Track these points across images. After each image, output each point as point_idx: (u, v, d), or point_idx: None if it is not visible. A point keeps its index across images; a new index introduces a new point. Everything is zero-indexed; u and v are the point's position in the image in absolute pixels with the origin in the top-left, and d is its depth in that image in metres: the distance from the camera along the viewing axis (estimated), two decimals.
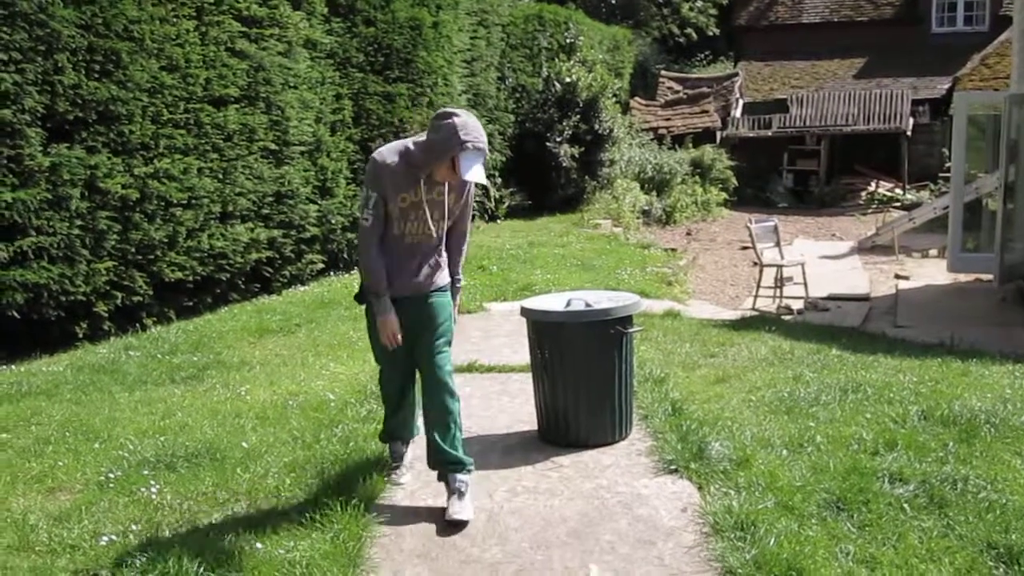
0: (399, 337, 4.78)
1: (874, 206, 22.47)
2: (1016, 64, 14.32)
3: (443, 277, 4.98)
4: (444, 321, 4.95)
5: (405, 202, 4.69)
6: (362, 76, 12.88)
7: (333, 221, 12.18)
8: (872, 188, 23.63)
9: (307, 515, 4.70)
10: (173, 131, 9.64)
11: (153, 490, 5.07)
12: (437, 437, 4.88)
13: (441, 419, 4.88)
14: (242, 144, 10.57)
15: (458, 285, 5.17)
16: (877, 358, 8.08)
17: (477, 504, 4.94)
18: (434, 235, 4.81)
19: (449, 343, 4.99)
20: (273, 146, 11.05)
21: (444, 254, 4.99)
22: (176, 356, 8.28)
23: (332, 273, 12.39)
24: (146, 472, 5.34)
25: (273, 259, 11.19)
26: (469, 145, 4.50)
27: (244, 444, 5.74)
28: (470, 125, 4.56)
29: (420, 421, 5.32)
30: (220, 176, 10.24)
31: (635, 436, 5.89)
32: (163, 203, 9.50)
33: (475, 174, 4.50)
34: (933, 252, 16.41)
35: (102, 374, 7.70)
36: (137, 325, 9.38)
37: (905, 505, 4.69)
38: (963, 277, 13.89)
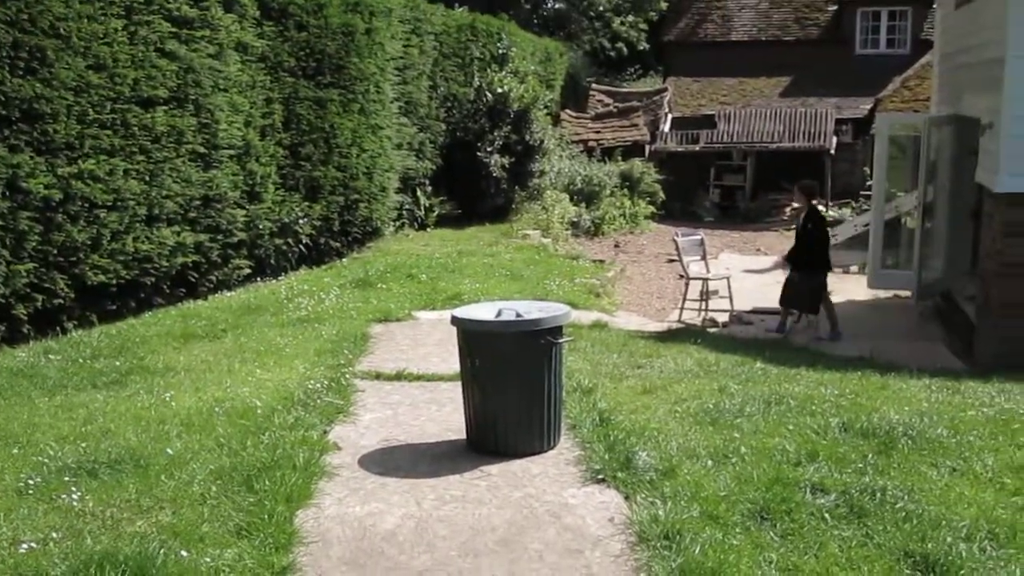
0: None
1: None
2: (936, 87, 14.77)
3: None
4: None
5: None
6: (293, 81, 12.78)
7: (261, 226, 12.05)
8: (796, 204, 24.08)
9: (233, 523, 4.66)
10: (99, 131, 9.46)
11: (74, 497, 4.98)
12: None
13: None
14: (170, 146, 10.42)
15: None
16: (799, 371, 8.25)
17: (405, 512, 4.94)
18: None
19: None
20: (202, 149, 10.91)
21: None
22: (98, 361, 8.12)
23: (259, 279, 12.26)
24: (67, 478, 5.23)
25: (199, 263, 11.04)
26: None
27: (169, 451, 5.66)
28: None
29: None
30: (147, 178, 10.07)
31: (563, 446, 5.94)
32: (87, 204, 9.31)
33: None
34: (854, 268, 16.75)
35: (21, 378, 7.52)
36: (58, 329, 9.16)
37: (826, 515, 4.80)
38: (882, 293, 14.23)
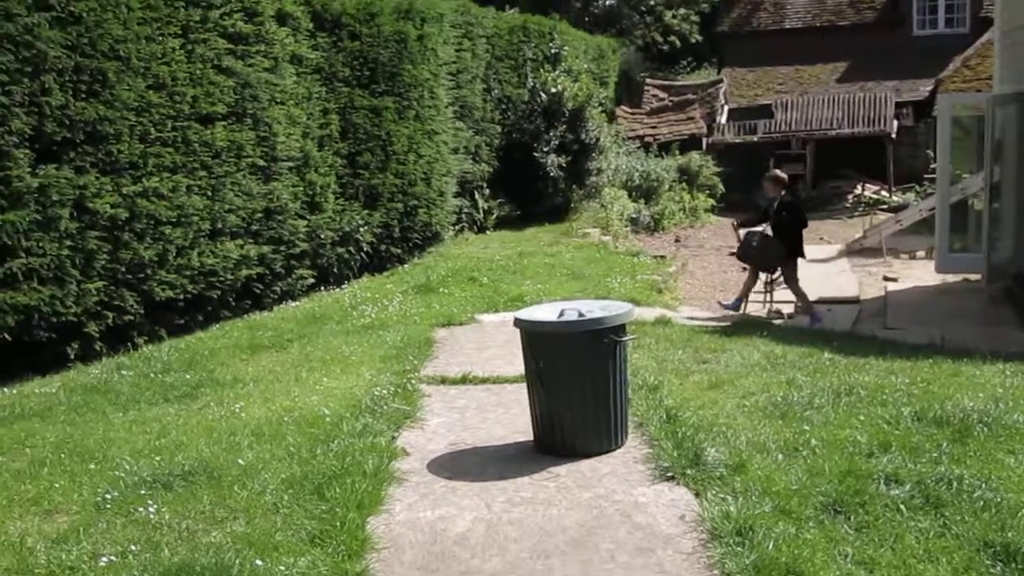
0: None
1: (861, 209, 22.56)
2: (998, 65, 14.44)
3: None
4: None
5: None
6: (348, 90, 12.89)
7: (322, 236, 12.17)
8: (858, 191, 23.74)
9: (306, 531, 4.70)
10: (161, 149, 9.64)
11: (151, 510, 5.07)
12: None
13: None
14: (230, 161, 10.57)
15: None
16: (868, 360, 8.12)
17: (475, 515, 4.96)
18: None
19: None
20: (261, 162, 11.05)
21: None
22: (169, 375, 8.26)
23: (322, 288, 12.38)
24: (143, 492, 5.33)
25: (263, 275, 11.18)
26: None
27: (240, 461, 5.74)
28: None
29: None
30: (209, 193, 10.24)
31: (631, 444, 5.92)
32: (152, 222, 9.48)
33: None
34: (920, 253, 16.48)
35: (95, 394, 7.68)
36: (128, 344, 9.35)
37: (901, 506, 4.72)
38: (951, 278, 13.96)
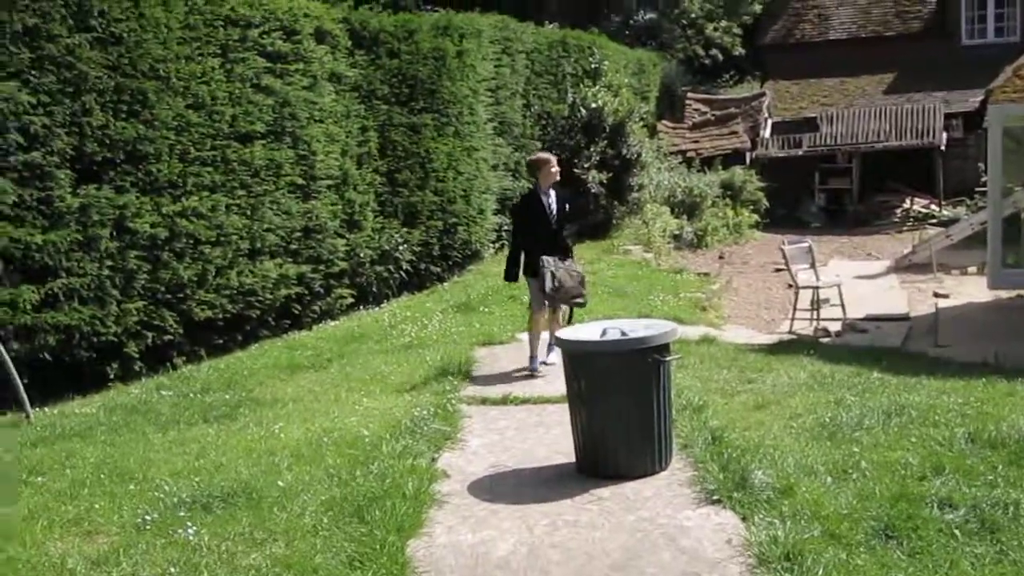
0: None
1: (909, 223, 22.31)
2: None
3: None
4: None
5: None
6: (387, 108, 12.98)
7: (361, 255, 12.24)
8: (907, 205, 23.47)
9: (346, 554, 4.70)
10: (200, 168, 9.75)
11: (190, 532, 5.09)
12: None
13: None
14: (269, 180, 10.67)
15: None
16: (920, 379, 8.01)
17: (517, 539, 4.93)
18: None
19: None
20: (300, 181, 11.15)
21: None
22: (208, 395, 8.33)
23: (362, 307, 12.44)
24: (182, 513, 5.36)
25: (302, 295, 11.26)
26: None
27: (280, 483, 5.76)
28: None
29: None
30: (248, 212, 10.34)
31: (675, 466, 5.87)
32: (192, 241, 9.59)
33: None
34: (972, 269, 16.25)
35: (135, 415, 7.76)
36: (168, 364, 9.45)
37: (956, 531, 4.64)
38: (1004, 294, 13.74)
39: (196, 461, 6.36)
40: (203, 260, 9.71)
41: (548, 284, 8.32)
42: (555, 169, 8.73)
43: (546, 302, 8.56)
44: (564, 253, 8.75)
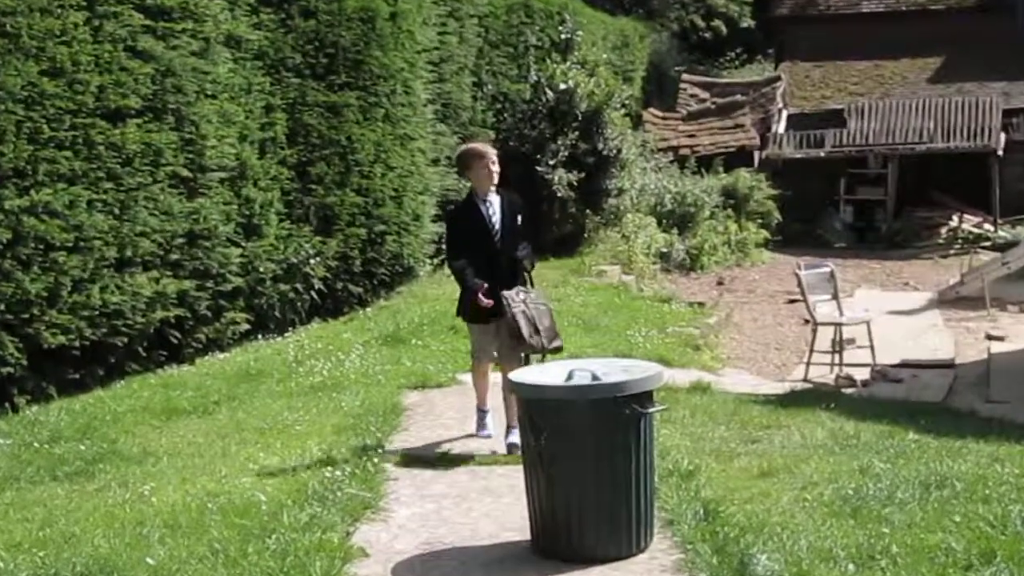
0: None
1: (957, 246, 22.63)
2: None
3: None
4: None
5: None
6: (300, 82, 12.96)
7: (261, 269, 12.17)
8: (954, 223, 23.80)
9: None
10: (56, 153, 9.65)
11: None
12: None
13: None
14: (145, 170, 10.59)
15: None
16: (966, 443, 8.12)
17: None
18: None
19: None
20: (185, 172, 11.07)
21: None
22: (58, 445, 8.24)
23: (260, 336, 12.37)
24: None
25: (184, 318, 11.16)
26: None
27: (149, 560, 5.70)
28: None
29: None
30: (116, 211, 10.24)
31: (657, 547, 5.89)
32: (42, 246, 9.48)
33: None
34: None
35: None
36: (7, 405, 9.33)
37: None
38: None
39: (41, 530, 6.29)
40: (56, 271, 9.60)
41: (526, 330, 7.55)
42: (494, 168, 7.93)
43: (520, 353, 7.73)
44: (518, 280, 7.98)
